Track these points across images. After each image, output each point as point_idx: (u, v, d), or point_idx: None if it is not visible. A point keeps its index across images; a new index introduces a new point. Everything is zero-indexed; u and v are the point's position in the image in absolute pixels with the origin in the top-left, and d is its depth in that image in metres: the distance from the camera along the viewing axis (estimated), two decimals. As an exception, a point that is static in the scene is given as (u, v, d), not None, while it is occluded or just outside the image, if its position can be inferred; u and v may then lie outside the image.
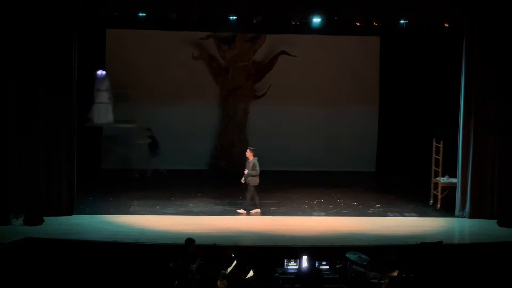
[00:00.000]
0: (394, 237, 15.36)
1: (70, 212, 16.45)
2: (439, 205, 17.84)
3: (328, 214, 17.41)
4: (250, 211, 17.25)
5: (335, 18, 16.97)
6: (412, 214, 17.51)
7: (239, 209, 17.32)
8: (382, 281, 12.66)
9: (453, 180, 17.60)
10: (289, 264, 13.43)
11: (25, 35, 15.93)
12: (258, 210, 17.28)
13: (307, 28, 17.40)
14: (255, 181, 17.24)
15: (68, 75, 16.29)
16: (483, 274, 13.48)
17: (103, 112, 20.78)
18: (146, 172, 20.59)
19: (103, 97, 20.76)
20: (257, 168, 17.25)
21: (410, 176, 20.83)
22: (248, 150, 17.57)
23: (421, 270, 12.78)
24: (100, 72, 20.74)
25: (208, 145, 21.91)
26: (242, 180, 17.40)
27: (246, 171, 17.24)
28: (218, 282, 12.26)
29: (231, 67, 21.75)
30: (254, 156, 17.36)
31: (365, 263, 13.02)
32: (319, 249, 13.98)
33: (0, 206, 15.85)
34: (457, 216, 17.13)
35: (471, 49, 16.88)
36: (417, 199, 18.65)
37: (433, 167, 18.42)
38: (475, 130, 16.97)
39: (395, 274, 12.65)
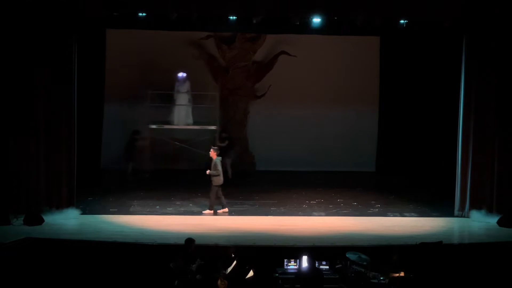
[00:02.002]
0: (394, 237, 15.35)
1: (70, 212, 16.44)
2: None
3: (328, 214, 17.41)
4: (218, 211, 17.15)
5: (335, 18, 16.98)
6: (412, 214, 17.51)
7: (205, 210, 17.17)
8: (382, 281, 12.66)
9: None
10: (289, 264, 13.41)
11: (25, 36, 15.92)
12: (226, 210, 17.17)
13: (307, 28, 17.39)
14: (217, 180, 17.09)
15: (68, 76, 16.28)
16: (483, 274, 13.48)
17: (183, 115, 20.82)
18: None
19: (183, 99, 20.77)
20: (218, 168, 17.07)
21: (410, 176, 20.83)
22: (211, 150, 17.38)
23: (421, 270, 12.78)
24: (181, 74, 20.73)
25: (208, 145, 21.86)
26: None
27: (208, 172, 17.14)
28: (218, 281, 12.26)
29: (231, 67, 21.77)
30: (217, 156, 17.26)
31: (365, 263, 13.02)
32: (319, 249, 13.97)
33: (0, 206, 15.84)
34: (456, 216, 17.12)
35: (471, 49, 16.87)
36: (417, 199, 18.64)
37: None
38: (475, 130, 16.96)
39: (395, 274, 12.65)
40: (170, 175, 20.72)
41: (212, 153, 17.26)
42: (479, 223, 16.60)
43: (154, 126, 20.72)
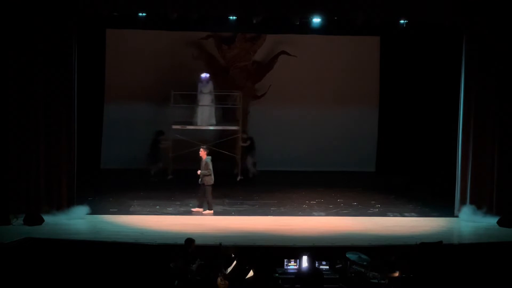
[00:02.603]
0: (394, 237, 15.35)
1: (70, 212, 16.44)
2: None
3: (328, 214, 17.41)
4: (192, 209, 17.17)
5: (335, 18, 16.99)
6: (412, 214, 17.51)
7: (205, 210, 17.14)
8: (382, 281, 12.66)
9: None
10: (289, 264, 13.42)
11: (25, 36, 15.92)
12: (199, 210, 17.14)
13: (307, 28, 17.41)
14: (209, 180, 17.07)
15: (68, 76, 16.28)
16: (483, 274, 13.48)
17: (207, 115, 20.82)
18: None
19: (206, 99, 20.77)
20: (210, 167, 17.05)
21: (410, 176, 20.83)
22: (201, 149, 17.35)
23: (421, 270, 12.78)
24: (204, 75, 20.71)
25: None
26: (199, 181, 17.21)
27: (199, 172, 17.09)
28: (219, 281, 12.25)
29: (231, 67, 21.76)
30: (207, 155, 17.24)
31: (365, 263, 13.02)
32: (319, 249, 13.96)
33: (0, 206, 15.84)
34: (456, 216, 17.11)
35: (470, 49, 16.87)
36: (417, 199, 18.64)
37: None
38: (475, 130, 16.96)
39: (395, 274, 12.65)
40: (192, 176, 20.70)
41: (202, 153, 17.21)
42: (479, 223, 16.58)
43: (177, 127, 20.69)
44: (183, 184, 19.25)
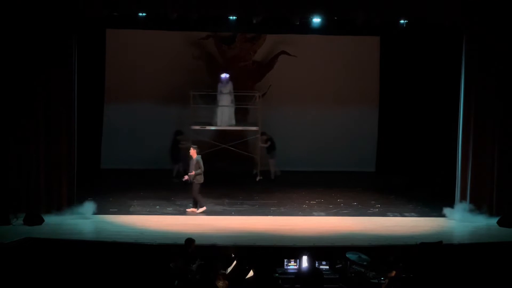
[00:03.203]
0: (394, 237, 15.36)
1: (70, 212, 16.43)
2: None
3: (328, 214, 17.41)
4: (187, 210, 17.19)
5: (335, 18, 16.99)
6: (412, 214, 17.52)
7: (198, 209, 17.15)
8: (382, 281, 12.65)
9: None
10: (289, 264, 13.41)
11: (25, 36, 15.93)
12: (195, 210, 17.18)
13: (307, 28, 17.41)
14: (200, 179, 17.11)
15: (68, 76, 16.29)
16: (483, 274, 13.47)
17: (227, 116, 20.81)
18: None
19: (226, 100, 20.75)
20: (201, 165, 17.10)
21: (410, 176, 20.83)
22: (191, 148, 17.35)
23: (421, 270, 12.77)
24: (224, 75, 20.69)
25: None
26: (185, 177, 17.21)
27: (193, 172, 17.05)
28: (219, 282, 12.24)
29: (231, 67, 21.75)
30: (197, 154, 17.22)
31: (365, 263, 13.01)
32: (319, 249, 13.97)
33: (0, 206, 15.84)
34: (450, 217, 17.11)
35: (470, 49, 16.87)
36: (417, 199, 18.64)
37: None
38: (475, 130, 16.96)
39: (395, 274, 12.63)
40: (212, 176, 20.71)
41: (192, 152, 17.22)
42: (479, 223, 16.57)
43: (196, 127, 20.70)
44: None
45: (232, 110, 20.94)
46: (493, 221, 16.57)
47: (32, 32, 15.96)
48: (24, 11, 15.86)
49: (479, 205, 16.84)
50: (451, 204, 17.22)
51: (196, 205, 17.22)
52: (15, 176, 16.16)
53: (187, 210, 17.23)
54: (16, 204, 16.06)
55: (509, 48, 16.71)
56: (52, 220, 15.91)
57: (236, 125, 21.10)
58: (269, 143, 20.97)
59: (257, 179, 20.71)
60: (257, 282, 12.31)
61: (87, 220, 16.18)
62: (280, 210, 17.65)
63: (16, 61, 15.98)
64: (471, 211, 16.83)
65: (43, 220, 15.78)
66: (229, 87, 20.81)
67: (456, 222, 16.76)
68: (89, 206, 16.47)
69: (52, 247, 14.11)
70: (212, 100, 20.91)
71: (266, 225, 16.17)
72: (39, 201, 16.26)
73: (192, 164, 17.17)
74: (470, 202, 16.93)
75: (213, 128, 20.94)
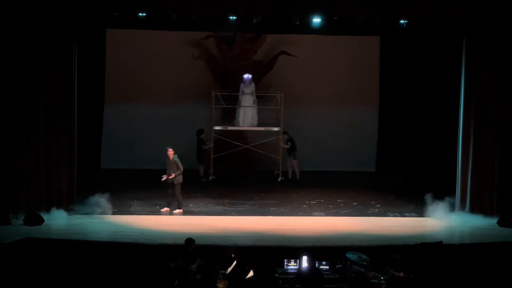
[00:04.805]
0: (394, 237, 15.36)
1: (70, 212, 16.43)
2: None
3: (328, 214, 17.41)
4: (161, 210, 17.15)
5: (335, 18, 16.99)
6: (412, 214, 17.52)
7: (175, 209, 17.13)
8: (382, 281, 12.66)
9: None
10: (289, 264, 13.40)
11: (25, 36, 15.93)
12: (167, 209, 17.15)
13: (307, 28, 17.40)
14: (179, 179, 17.07)
15: (68, 76, 16.29)
16: (483, 274, 13.48)
17: (249, 116, 20.78)
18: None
19: (248, 100, 20.73)
20: (180, 165, 17.04)
21: (410, 176, 20.82)
22: (169, 149, 17.26)
23: (421, 270, 12.78)
24: (246, 76, 20.67)
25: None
26: (163, 178, 17.12)
27: (172, 175, 16.95)
28: (219, 282, 12.25)
29: (231, 67, 21.75)
30: (174, 154, 17.17)
31: (365, 263, 13.01)
32: (319, 249, 13.98)
33: (0, 206, 15.85)
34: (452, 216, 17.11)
35: (471, 49, 16.88)
36: (417, 199, 18.62)
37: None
38: (475, 130, 16.96)
39: (395, 274, 12.65)
40: (233, 176, 20.75)
41: (170, 152, 17.14)
42: (479, 223, 16.57)
43: (218, 128, 20.70)
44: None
45: (255, 110, 20.87)
46: (493, 221, 16.59)
47: (32, 32, 15.96)
48: (24, 11, 15.86)
49: (479, 205, 16.85)
50: (451, 204, 17.22)
51: (170, 205, 17.16)
52: (15, 176, 16.16)
53: (161, 210, 17.17)
54: (16, 204, 16.05)
55: (509, 48, 16.70)
56: (52, 220, 15.90)
57: (258, 125, 21.05)
58: (289, 144, 20.90)
59: (279, 179, 20.68)
60: (257, 282, 12.34)
61: (87, 220, 16.17)
62: (280, 210, 17.64)
63: (16, 61, 15.98)
64: (471, 211, 16.85)
65: (43, 220, 15.79)
66: (251, 88, 20.78)
67: (456, 222, 16.76)
68: (92, 204, 16.48)
69: (52, 247, 14.12)
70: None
71: (266, 225, 16.17)
72: (39, 201, 16.26)
73: (170, 164, 17.12)
74: (470, 202, 16.94)
75: (236, 128, 20.92)
